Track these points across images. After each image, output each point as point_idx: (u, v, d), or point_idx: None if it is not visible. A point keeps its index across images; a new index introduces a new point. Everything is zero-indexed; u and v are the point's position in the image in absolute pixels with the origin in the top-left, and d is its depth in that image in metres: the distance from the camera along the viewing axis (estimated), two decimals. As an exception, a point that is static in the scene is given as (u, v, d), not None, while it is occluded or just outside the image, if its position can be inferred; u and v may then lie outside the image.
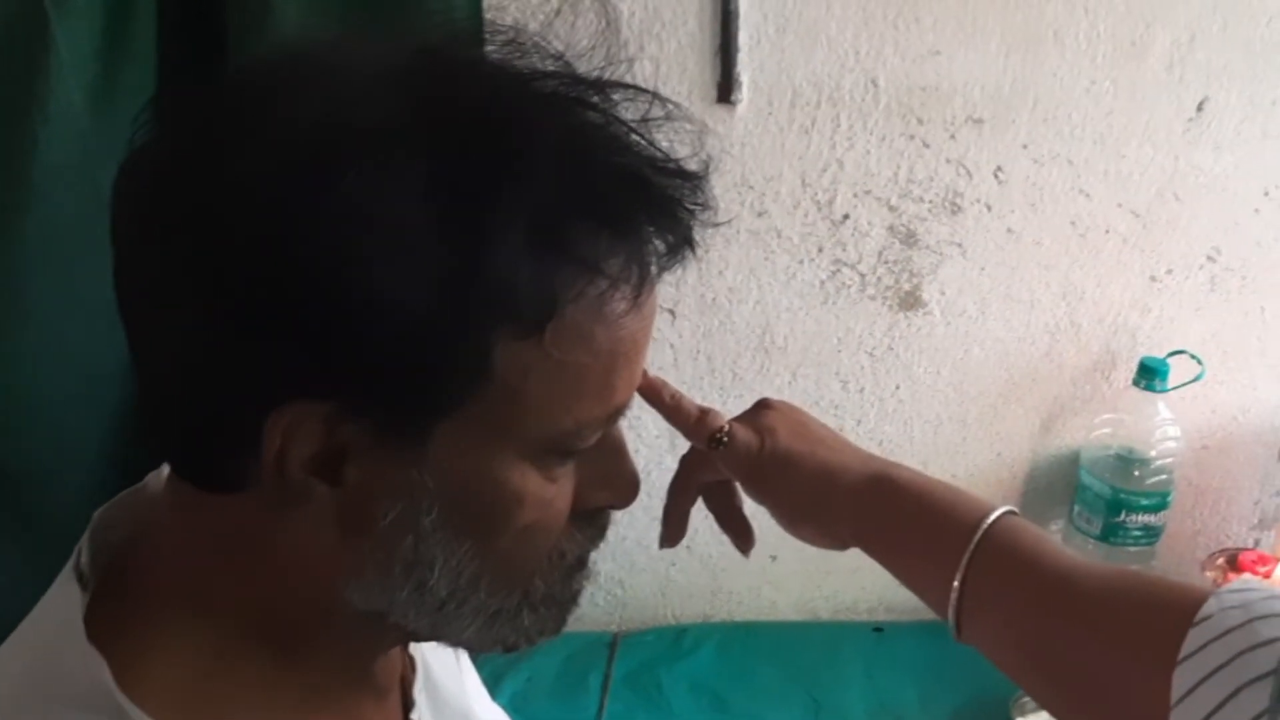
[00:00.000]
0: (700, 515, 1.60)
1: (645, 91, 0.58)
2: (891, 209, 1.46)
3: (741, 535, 0.89)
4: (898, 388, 1.56)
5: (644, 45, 1.37)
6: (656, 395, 0.85)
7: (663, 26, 1.37)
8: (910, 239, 1.47)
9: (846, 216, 1.46)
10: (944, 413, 1.57)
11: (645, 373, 0.79)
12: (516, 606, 0.64)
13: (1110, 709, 0.64)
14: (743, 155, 1.42)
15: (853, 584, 1.67)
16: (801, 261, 1.48)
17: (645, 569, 1.67)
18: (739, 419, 0.85)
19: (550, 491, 0.61)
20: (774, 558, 1.65)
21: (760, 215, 1.45)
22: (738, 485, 0.87)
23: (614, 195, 0.56)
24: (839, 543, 0.81)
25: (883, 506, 0.78)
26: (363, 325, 0.52)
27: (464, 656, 0.88)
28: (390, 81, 0.55)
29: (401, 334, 0.52)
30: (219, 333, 0.54)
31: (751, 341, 1.53)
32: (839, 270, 1.49)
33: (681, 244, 0.59)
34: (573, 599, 0.68)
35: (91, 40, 1.05)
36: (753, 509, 0.88)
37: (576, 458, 0.62)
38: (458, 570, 0.60)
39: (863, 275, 1.49)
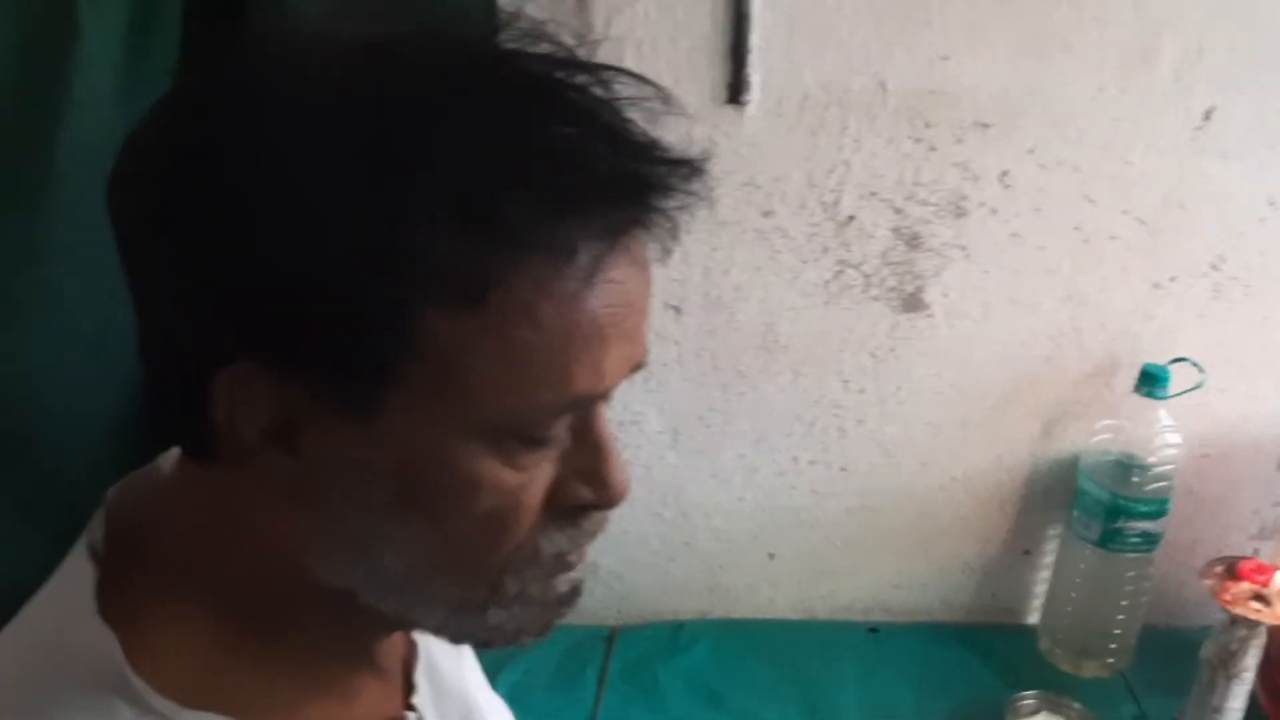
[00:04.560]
0: (699, 513, 1.62)
1: (620, 71, 0.58)
2: (897, 211, 1.46)
3: None
4: (899, 389, 1.56)
5: (657, 46, 1.38)
6: None
7: (675, 27, 1.37)
8: (915, 241, 1.47)
9: (852, 218, 1.46)
10: (944, 415, 1.58)
11: None
12: (483, 601, 0.63)
13: None
14: (751, 155, 1.43)
15: (850, 584, 1.68)
16: (806, 261, 1.49)
17: (644, 564, 1.67)
18: None
19: (512, 480, 0.59)
20: (772, 556, 1.66)
21: (766, 215, 1.46)
22: None
23: (550, 168, 0.54)
24: None
25: None
26: (286, 286, 0.53)
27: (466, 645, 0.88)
28: (351, 53, 0.56)
29: (324, 299, 0.53)
30: (171, 292, 0.56)
31: (755, 339, 1.53)
32: (843, 271, 1.49)
33: (634, 225, 0.57)
34: (558, 601, 0.66)
35: (118, 27, 1.07)
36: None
37: (549, 448, 0.61)
38: (412, 551, 0.60)
39: (867, 276, 1.50)
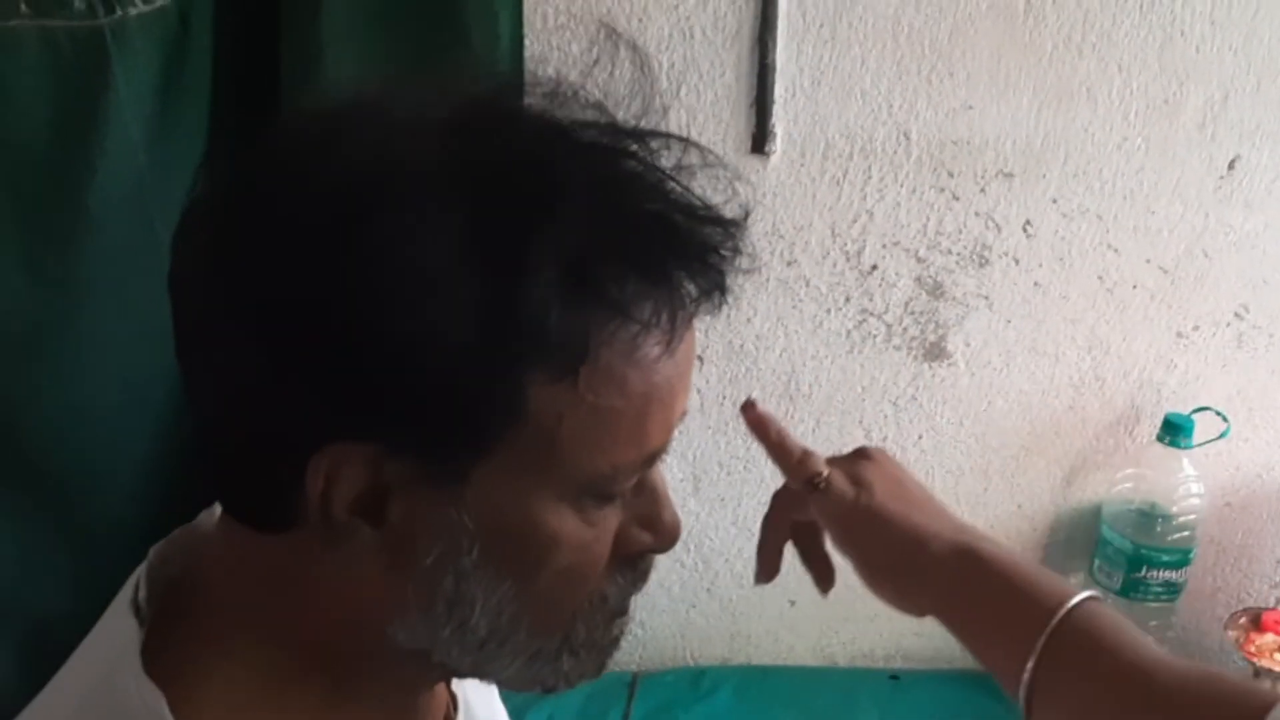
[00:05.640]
0: (720, 559, 1.62)
1: (682, 140, 0.59)
2: (919, 260, 1.47)
3: (823, 576, 0.89)
4: (920, 437, 1.56)
5: (681, 96, 1.39)
6: (763, 430, 0.85)
7: (700, 78, 1.38)
8: (937, 290, 1.48)
9: (875, 267, 1.47)
10: (966, 464, 1.58)
11: (753, 406, 0.83)
12: (557, 649, 0.65)
13: None
14: (774, 205, 1.43)
15: (870, 631, 1.67)
16: (829, 310, 1.49)
17: (665, 610, 1.67)
18: (838, 464, 0.84)
19: (588, 535, 0.61)
20: (793, 602, 1.66)
21: (790, 264, 1.47)
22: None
23: (643, 241, 0.56)
24: (917, 610, 0.80)
25: (965, 583, 0.77)
26: (397, 367, 0.53)
27: (496, 692, 0.88)
28: (433, 131, 0.56)
29: (436, 376, 0.53)
30: (262, 376, 0.55)
31: (777, 388, 1.54)
32: (865, 320, 1.50)
33: (712, 290, 0.59)
34: (613, 644, 0.68)
35: (150, 79, 1.10)
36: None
37: (616, 502, 0.63)
38: (498, 610, 0.61)
39: (889, 325, 1.50)
